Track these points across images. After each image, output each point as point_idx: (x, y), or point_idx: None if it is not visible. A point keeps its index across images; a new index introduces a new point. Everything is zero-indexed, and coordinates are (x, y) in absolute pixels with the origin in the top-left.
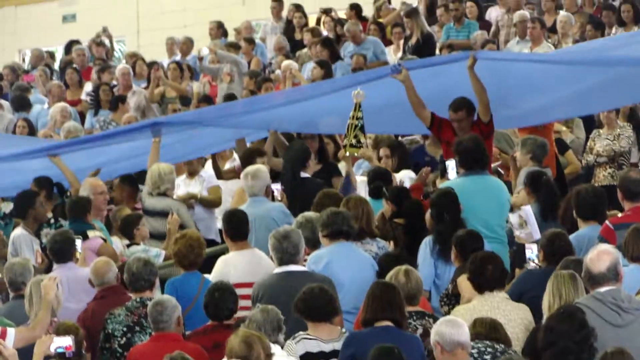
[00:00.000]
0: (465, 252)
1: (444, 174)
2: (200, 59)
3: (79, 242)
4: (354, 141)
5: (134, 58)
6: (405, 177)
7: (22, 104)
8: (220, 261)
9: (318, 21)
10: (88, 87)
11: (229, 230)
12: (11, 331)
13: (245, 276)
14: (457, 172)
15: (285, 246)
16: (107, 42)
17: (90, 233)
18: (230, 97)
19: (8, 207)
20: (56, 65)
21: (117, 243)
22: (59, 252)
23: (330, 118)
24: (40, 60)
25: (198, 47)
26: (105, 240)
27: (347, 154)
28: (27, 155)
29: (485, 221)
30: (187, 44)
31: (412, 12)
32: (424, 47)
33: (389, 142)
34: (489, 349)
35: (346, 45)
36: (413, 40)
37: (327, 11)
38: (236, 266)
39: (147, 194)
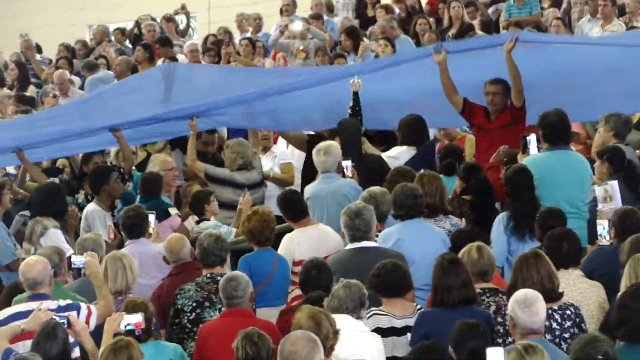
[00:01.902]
0: (547, 229)
1: (525, 149)
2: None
3: (151, 218)
4: None
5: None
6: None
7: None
8: (285, 239)
9: None
10: (159, 63)
11: (286, 213)
12: (94, 310)
13: (311, 253)
14: (538, 147)
15: (357, 223)
16: (182, 18)
17: (171, 211)
18: None
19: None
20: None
21: (189, 219)
22: (132, 228)
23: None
24: (105, 36)
25: (268, 24)
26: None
27: None
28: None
29: (569, 196)
30: (258, 20)
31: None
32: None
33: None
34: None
35: None
36: (454, 30)
37: None
38: (300, 243)
39: (238, 166)
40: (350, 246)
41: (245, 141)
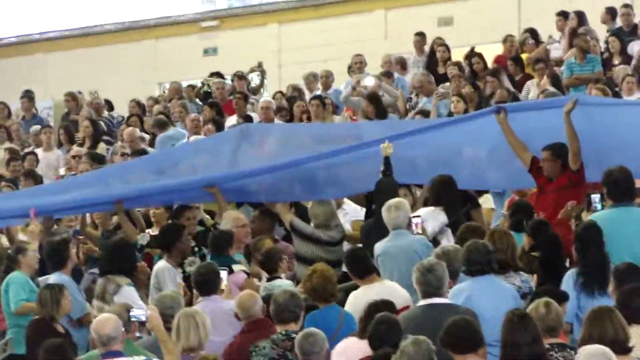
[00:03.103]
0: (624, 284)
1: (589, 206)
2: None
3: (224, 275)
4: None
5: (294, 91)
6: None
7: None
8: (351, 297)
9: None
10: (230, 121)
11: (352, 270)
12: None
13: None
14: (602, 205)
15: (429, 278)
16: (255, 76)
17: (235, 267)
18: None
19: (144, 238)
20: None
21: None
22: (204, 285)
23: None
24: (178, 93)
25: (337, 82)
26: (248, 274)
27: None
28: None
29: (635, 253)
30: (328, 78)
31: (496, 72)
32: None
33: None
34: None
35: None
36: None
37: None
38: (367, 301)
39: (316, 227)
40: (421, 302)
41: (329, 200)
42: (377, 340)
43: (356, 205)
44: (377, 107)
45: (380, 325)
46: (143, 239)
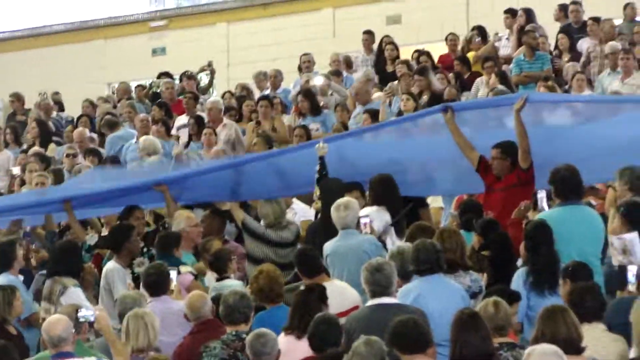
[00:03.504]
0: (573, 283)
1: (535, 206)
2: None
3: (173, 275)
4: (314, 195)
5: (242, 91)
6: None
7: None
8: None
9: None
10: (179, 121)
11: (301, 269)
12: None
13: (330, 308)
14: (549, 204)
15: (377, 278)
16: (204, 76)
17: (182, 269)
18: None
19: (92, 239)
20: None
21: (210, 277)
22: (154, 285)
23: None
24: (126, 93)
25: (287, 81)
26: (196, 276)
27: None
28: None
29: (583, 252)
30: (278, 77)
31: (422, 70)
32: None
33: None
34: None
35: None
36: (425, 99)
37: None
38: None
39: (267, 226)
40: (370, 302)
41: (277, 200)
42: (318, 341)
43: (305, 205)
44: (311, 102)
45: (320, 326)
46: (92, 239)
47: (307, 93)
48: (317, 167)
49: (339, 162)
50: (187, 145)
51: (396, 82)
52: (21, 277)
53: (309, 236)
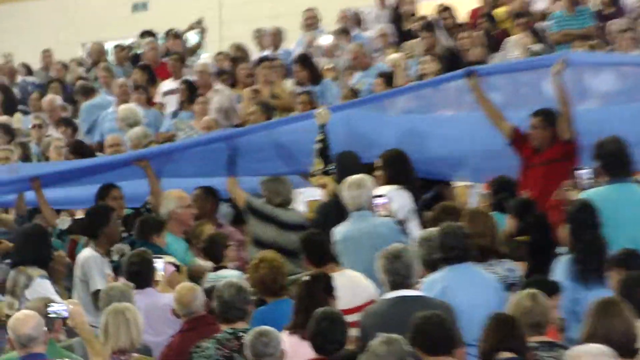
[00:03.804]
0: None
1: (578, 185)
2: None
3: (159, 264)
4: (312, 169)
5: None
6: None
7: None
8: None
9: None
10: (164, 86)
11: (308, 257)
12: None
13: (342, 302)
14: (593, 182)
15: (396, 267)
16: (192, 34)
17: (167, 258)
18: None
19: (64, 222)
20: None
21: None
22: (137, 276)
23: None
24: (102, 55)
25: (289, 41)
26: (178, 267)
27: (314, 183)
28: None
29: (633, 237)
30: (278, 36)
31: (428, 26)
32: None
33: None
34: None
35: None
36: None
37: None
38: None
39: (276, 205)
40: (389, 295)
41: (284, 177)
42: (320, 340)
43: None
44: (310, 70)
45: (321, 322)
46: (63, 223)
47: (304, 59)
48: (318, 137)
49: (348, 134)
50: (175, 114)
51: (415, 40)
52: None
53: (318, 218)
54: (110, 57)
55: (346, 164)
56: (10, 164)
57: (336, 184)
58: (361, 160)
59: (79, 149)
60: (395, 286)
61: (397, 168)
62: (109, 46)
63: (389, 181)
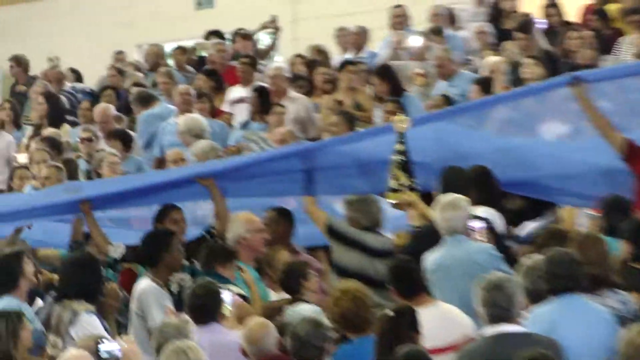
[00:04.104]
0: None
1: None
2: None
3: (227, 296)
4: (393, 184)
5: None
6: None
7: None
8: None
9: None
10: (233, 93)
11: (397, 287)
12: None
13: (431, 340)
14: None
15: (497, 298)
16: (263, 35)
17: (232, 288)
18: None
19: (118, 250)
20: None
21: (273, 297)
22: (201, 310)
23: None
24: (161, 58)
25: (374, 40)
26: (245, 297)
27: (391, 201)
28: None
29: None
30: (361, 36)
31: (525, 26)
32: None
33: None
34: None
35: None
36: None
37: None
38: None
39: (363, 229)
40: (489, 331)
41: (373, 196)
42: None
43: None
44: (391, 82)
45: None
46: (116, 251)
47: (384, 71)
48: (398, 147)
49: (436, 145)
50: (245, 124)
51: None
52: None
53: (412, 244)
54: (170, 61)
55: (452, 181)
56: (68, 183)
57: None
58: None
59: None
60: (495, 320)
61: (486, 187)
62: (168, 48)
63: (477, 202)
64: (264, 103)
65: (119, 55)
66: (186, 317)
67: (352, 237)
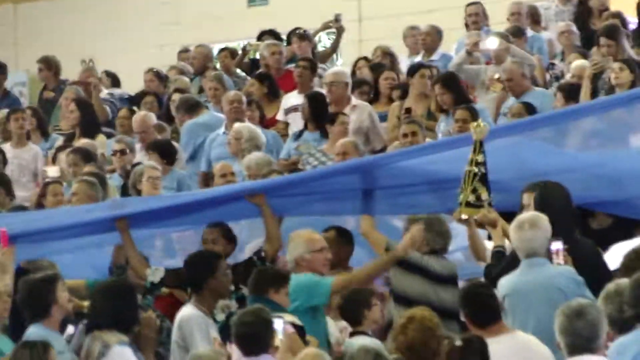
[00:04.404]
0: None
1: None
2: None
3: (279, 324)
4: (471, 198)
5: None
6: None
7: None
8: None
9: None
10: (289, 99)
11: (471, 315)
12: None
13: None
14: None
15: (579, 327)
16: (324, 35)
17: (284, 316)
18: None
19: (157, 274)
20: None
21: (331, 327)
22: (251, 340)
23: None
24: (209, 61)
25: (448, 42)
26: (301, 328)
27: (464, 216)
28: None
29: None
30: (433, 37)
31: (611, 31)
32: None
33: None
34: None
35: None
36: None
37: None
38: None
39: (427, 253)
40: None
41: (440, 216)
42: None
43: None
44: (454, 92)
45: None
46: (155, 274)
47: (449, 79)
48: (477, 157)
49: (511, 161)
50: (298, 135)
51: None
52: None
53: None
54: (217, 64)
55: (551, 199)
56: (113, 199)
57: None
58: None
59: None
60: (575, 351)
61: (565, 206)
62: (217, 50)
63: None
64: (319, 110)
65: (184, 54)
66: (221, 349)
67: (415, 262)
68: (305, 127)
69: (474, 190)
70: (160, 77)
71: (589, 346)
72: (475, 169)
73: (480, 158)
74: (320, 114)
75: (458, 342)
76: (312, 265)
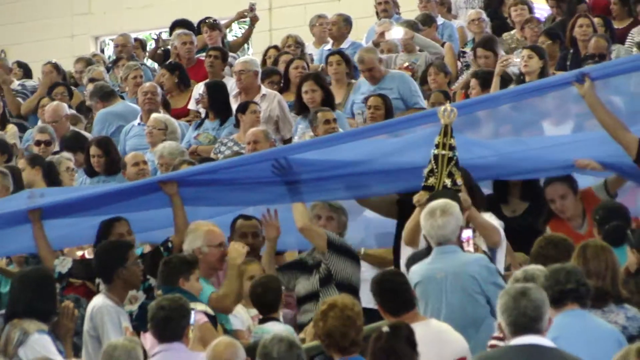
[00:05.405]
0: None
1: None
2: None
3: (195, 315)
4: (448, 181)
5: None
6: None
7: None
8: None
9: None
10: (201, 89)
11: (384, 304)
12: None
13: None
14: None
15: (523, 306)
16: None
17: (196, 305)
18: None
19: (65, 265)
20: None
21: (242, 315)
22: (165, 327)
23: None
24: (128, 51)
25: (358, 30)
26: (213, 317)
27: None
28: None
29: None
30: (339, 25)
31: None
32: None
33: None
34: None
35: None
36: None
37: None
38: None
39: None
40: (513, 341)
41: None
42: None
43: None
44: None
45: None
46: (63, 264)
47: (317, 77)
48: (443, 139)
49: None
50: (199, 124)
51: (514, 31)
52: None
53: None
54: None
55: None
56: (33, 190)
57: None
58: None
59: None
60: (518, 330)
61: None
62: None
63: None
64: (218, 99)
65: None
66: (136, 338)
67: (349, 247)
68: (207, 116)
69: (450, 175)
70: (57, 69)
71: (534, 326)
72: (450, 153)
73: (453, 142)
74: (220, 103)
75: (385, 329)
76: (208, 259)
